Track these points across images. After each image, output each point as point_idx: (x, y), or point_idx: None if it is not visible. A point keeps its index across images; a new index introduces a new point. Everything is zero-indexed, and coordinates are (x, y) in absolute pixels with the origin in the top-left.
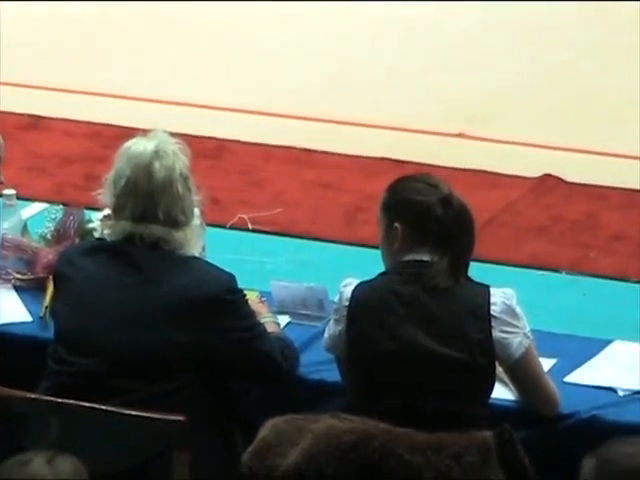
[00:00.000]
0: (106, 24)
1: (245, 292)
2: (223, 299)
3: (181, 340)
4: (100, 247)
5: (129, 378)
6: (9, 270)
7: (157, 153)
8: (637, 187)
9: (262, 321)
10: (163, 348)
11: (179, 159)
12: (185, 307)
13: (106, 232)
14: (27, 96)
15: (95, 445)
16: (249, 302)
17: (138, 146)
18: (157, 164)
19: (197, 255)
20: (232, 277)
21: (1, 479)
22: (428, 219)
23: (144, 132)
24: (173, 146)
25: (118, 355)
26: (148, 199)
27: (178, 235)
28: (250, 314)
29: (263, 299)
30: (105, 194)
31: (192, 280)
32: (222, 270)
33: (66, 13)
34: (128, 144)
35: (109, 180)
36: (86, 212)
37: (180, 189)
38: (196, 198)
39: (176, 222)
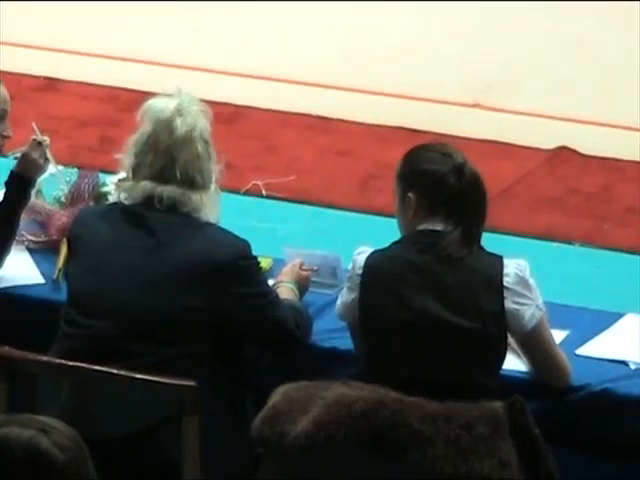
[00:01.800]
0: None
1: (258, 259)
2: (236, 265)
3: (194, 305)
4: (115, 210)
5: (141, 341)
6: (22, 232)
7: (179, 110)
8: None
9: (282, 286)
10: (176, 312)
11: (201, 120)
12: (198, 272)
13: (122, 195)
14: (43, 58)
15: (105, 408)
16: (265, 268)
17: (160, 103)
18: (179, 120)
19: (213, 222)
20: (246, 243)
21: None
22: (441, 188)
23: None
24: (196, 106)
25: (130, 318)
26: (167, 154)
27: (195, 197)
28: (263, 281)
29: (304, 267)
30: (125, 156)
31: (206, 245)
32: (236, 236)
33: None
34: (150, 102)
35: (130, 141)
36: (101, 175)
37: (199, 149)
38: (216, 166)
39: (193, 183)
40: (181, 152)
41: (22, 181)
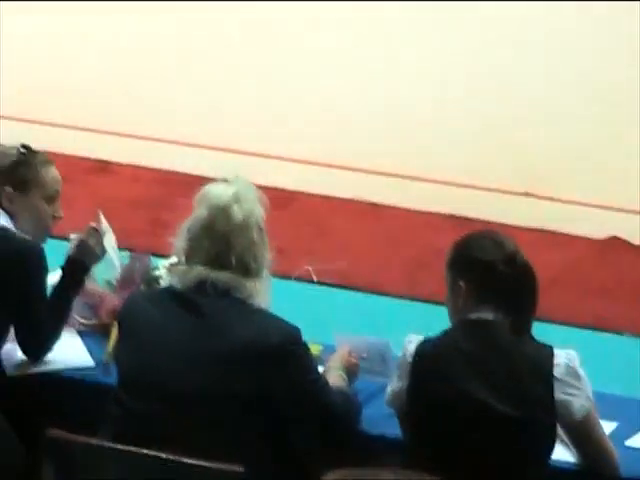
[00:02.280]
0: (175, 74)
1: (308, 345)
2: (286, 350)
3: (243, 388)
4: (166, 294)
5: (189, 424)
6: (74, 315)
7: (237, 197)
8: None
9: (331, 373)
10: (224, 395)
11: (257, 207)
12: (248, 356)
13: (174, 279)
14: (96, 141)
15: None
16: (316, 354)
17: (218, 189)
18: (236, 207)
19: (264, 307)
20: (296, 329)
21: None
22: (492, 277)
23: (223, 179)
24: (253, 194)
25: (179, 401)
26: (223, 241)
27: (249, 284)
28: (313, 366)
29: (353, 354)
30: (178, 240)
31: (257, 331)
32: (286, 322)
33: (132, 64)
34: (207, 187)
35: (184, 226)
36: (152, 259)
37: (255, 236)
38: (269, 253)
39: (247, 270)
40: (237, 239)
41: (77, 267)
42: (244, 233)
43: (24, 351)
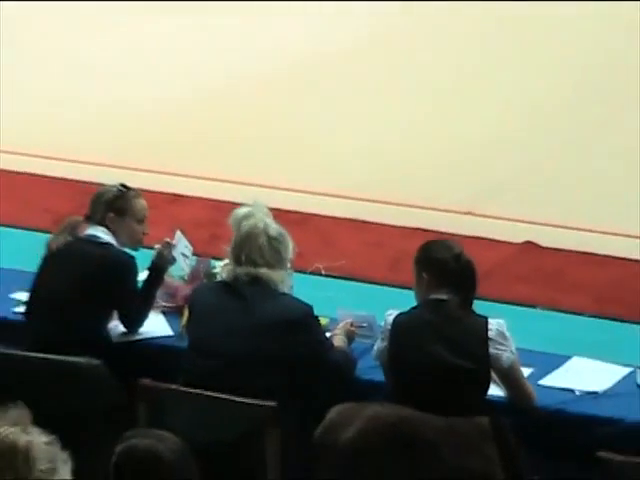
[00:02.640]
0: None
1: (319, 318)
2: (305, 321)
3: (273, 347)
4: (220, 285)
5: (237, 375)
6: (158, 300)
7: (246, 215)
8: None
9: (336, 337)
10: (260, 353)
11: (264, 221)
12: (276, 327)
13: (224, 274)
14: (171, 180)
15: (213, 423)
16: (324, 324)
17: (238, 210)
18: (244, 222)
19: (286, 291)
20: (310, 306)
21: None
22: (445, 270)
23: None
24: (261, 212)
25: (229, 358)
26: (240, 246)
27: (264, 273)
28: (322, 333)
29: (354, 326)
30: (228, 248)
31: (283, 307)
32: (302, 301)
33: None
34: (235, 210)
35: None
36: (212, 261)
37: (260, 240)
38: (286, 254)
39: (257, 264)
40: (246, 244)
41: (158, 269)
42: (251, 240)
43: (125, 326)
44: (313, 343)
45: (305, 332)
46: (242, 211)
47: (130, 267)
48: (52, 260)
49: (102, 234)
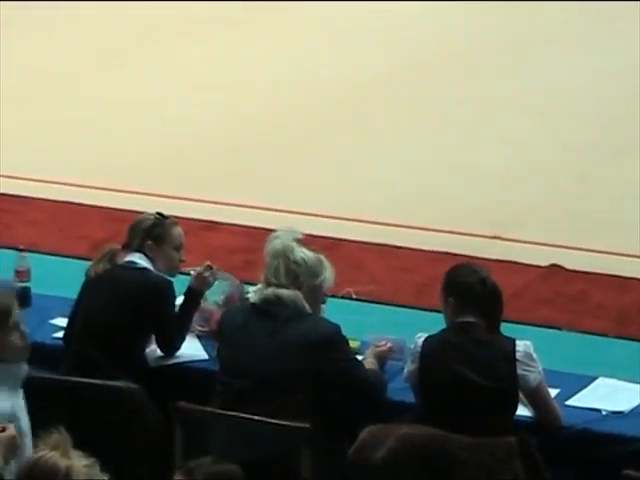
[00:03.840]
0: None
1: (350, 342)
2: (332, 340)
3: (302, 367)
4: (247, 307)
5: (268, 393)
6: (194, 324)
7: (274, 237)
8: None
9: (367, 360)
10: (290, 373)
11: (286, 243)
12: (306, 345)
13: (254, 296)
14: (203, 206)
15: (248, 441)
16: (354, 347)
17: (272, 235)
18: (270, 245)
19: (314, 312)
20: (337, 326)
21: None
22: (471, 294)
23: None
24: (290, 237)
25: (260, 377)
26: (268, 268)
27: (288, 294)
28: (351, 352)
29: (385, 347)
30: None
31: (311, 327)
32: (329, 321)
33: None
34: (270, 236)
35: None
36: (245, 286)
37: (277, 262)
38: (311, 281)
39: (280, 285)
40: (272, 265)
41: (195, 293)
42: (272, 261)
43: (162, 350)
44: (342, 361)
45: (333, 350)
46: (274, 235)
47: (168, 289)
48: (91, 287)
49: (140, 260)
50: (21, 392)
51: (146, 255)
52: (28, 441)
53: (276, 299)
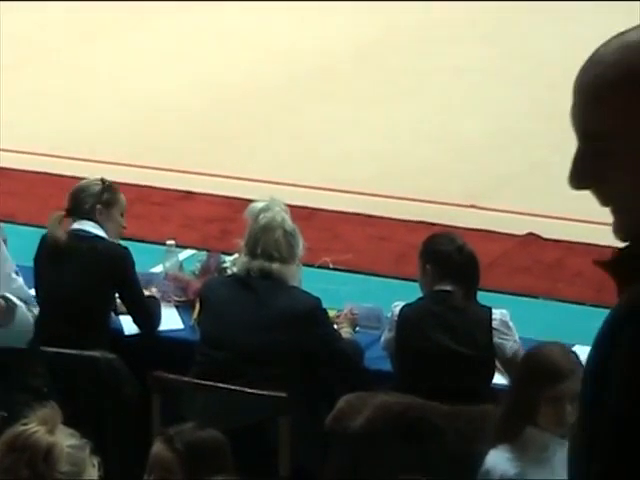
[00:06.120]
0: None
1: (327, 310)
2: (313, 313)
3: (284, 340)
4: (231, 279)
5: (248, 365)
6: (170, 294)
7: (264, 209)
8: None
9: (343, 329)
10: (272, 345)
11: (280, 215)
12: (287, 318)
13: (235, 268)
14: (182, 176)
15: (226, 412)
16: (332, 317)
17: (255, 205)
18: (261, 215)
19: (295, 284)
20: (318, 299)
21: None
22: (448, 262)
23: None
24: (278, 207)
25: (241, 350)
26: (255, 238)
27: (281, 269)
28: (331, 324)
29: (355, 313)
30: (240, 242)
31: (292, 301)
32: (311, 294)
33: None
34: (250, 204)
35: (245, 233)
36: (222, 256)
37: (277, 234)
38: (299, 248)
39: (272, 257)
40: (263, 237)
41: None
42: (268, 233)
43: (143, 329)
44: (322, 335)
45: (314, 324)
46: (260, 205)
47: (128, 257)
48: (51, 258)
49: (92, 228)
50: None
51: (95, 222)
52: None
53: (263, 273)
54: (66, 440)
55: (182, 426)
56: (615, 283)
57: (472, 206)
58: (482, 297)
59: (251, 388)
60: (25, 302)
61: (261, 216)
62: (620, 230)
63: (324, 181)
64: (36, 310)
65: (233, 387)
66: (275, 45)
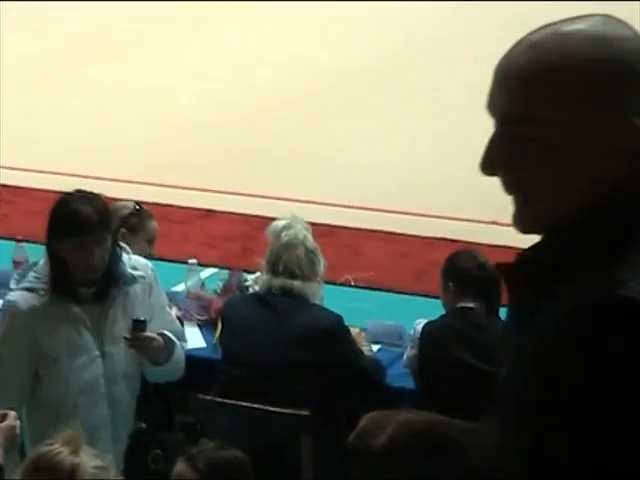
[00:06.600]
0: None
1: (350, 327)
2: (334, 331)
3: (306, 357)
4: (252, 297)
5: (270, 383)
6: (192, 313)
7: (286, 226)
8: None
9: (364, 347)
10: (293, 363)
11: (302, 232)
12: (309, 336)
13: (257, 287)
14: (200, 195)
15: (245, 431)
16: (352, 334)
17: (277, 223)
18: (284, 233)
19: (317, 302)
20: (340, 316)
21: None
22: (470, 279)
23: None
24: (300, 225)
25: (262, 367)
26: (278, 255)
27: (303, 286)
28: (352, 341)
29: (363, 333)
30: (262, 260)
31: (313, 318)
32: (332, 312)
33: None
34: (273, 222)
35: (266, 251)
36: (243, 274)
37: (299, 252)
38: (320, 266)
39: (294, 275)
40: (285, 254)
41: None
42: (290, 250)
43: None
44: (344, 352)
45: (336, 341)
46: (282, 222)
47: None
48: None
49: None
50: None
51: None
52: None
53: (284, 290)
54: (90, 461)
55: (204, 445)
56: (513, 286)
57: (494, 222)
58: (503, 313)
59: (273, 406)
60: (177, 337)
61: (283, 234)
62: (524, 221)
63: (346, 198)
64: (186, 345)
65: (255, 405)
66: (295, 61)
